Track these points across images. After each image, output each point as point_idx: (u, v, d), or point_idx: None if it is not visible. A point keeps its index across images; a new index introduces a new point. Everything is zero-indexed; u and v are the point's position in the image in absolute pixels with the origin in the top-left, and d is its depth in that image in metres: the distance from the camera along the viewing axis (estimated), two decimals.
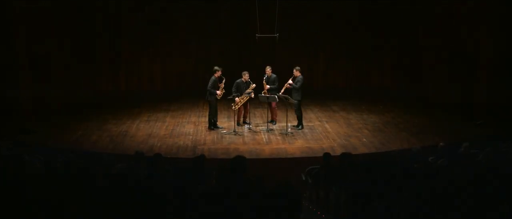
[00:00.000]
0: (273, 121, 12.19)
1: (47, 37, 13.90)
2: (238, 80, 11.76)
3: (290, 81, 11.55)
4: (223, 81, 11.59)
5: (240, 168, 5.72)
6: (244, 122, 12.15)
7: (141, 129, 12.15)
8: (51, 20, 13.96)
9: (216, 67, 11.66)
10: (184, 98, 15.32)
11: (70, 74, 14.68)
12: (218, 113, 12.24)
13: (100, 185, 5.92)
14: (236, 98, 11.60)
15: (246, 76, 11.76)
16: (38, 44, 13.68)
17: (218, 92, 11.50)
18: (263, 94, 11.71)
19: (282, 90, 11.64)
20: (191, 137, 11.40)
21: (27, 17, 13.36)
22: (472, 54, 13.43)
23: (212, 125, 11.86)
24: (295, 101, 11.53)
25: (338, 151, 9.79)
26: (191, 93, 15.48)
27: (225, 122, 12.48)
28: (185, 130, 12.01)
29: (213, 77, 11.57)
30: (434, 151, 8.61)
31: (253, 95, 11.73)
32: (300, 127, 11.83)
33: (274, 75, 11.90)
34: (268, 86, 11.77)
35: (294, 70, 11.56)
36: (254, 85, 11.71)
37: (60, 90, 14.21)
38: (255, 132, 11.63)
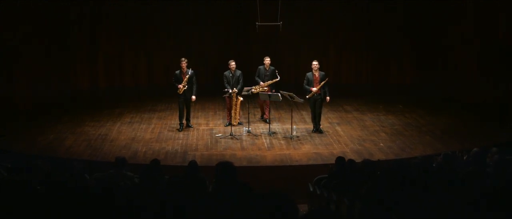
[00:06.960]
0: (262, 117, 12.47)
1: (12, 25, 13.85)
2: (226, 73, 11.93)
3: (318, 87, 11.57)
4: (188, 76, 11.59)
5: (227, 177, 5.61)
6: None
7: (123, 132, 12.16)
8: (16, 5, 13.91)
9: (182, 58, 11.77)
10: (172, 96, 15.29)
11: (40, 69, 14.66)
12: (213, 113, 12.25)
13: (75, 196, 5.91)
14: (231, 92, 11.72)
15: (232, 65, 11.88)
16: (1, 34, 13.66)
17: (179, 86, 11.59)
18: (264, 93, 11.74)
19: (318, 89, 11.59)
20: (180, 141, 11.41)
21: None
22: (507, 48, 13.41)
23: (181, 126, 12.04)
24: (301, 100, 11.57)
25: (351, 157, 9.79)
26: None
27: (220, 124, 12.50)
28: (173, 133, 12.02)
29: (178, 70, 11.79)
30: (462, 157, 8.62)
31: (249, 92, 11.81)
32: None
33: (272, 68, 12.00)
34: (263, 83, 11.83)
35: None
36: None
37: (29, 88, 14.20)
38: (254, 135, 11.64)
